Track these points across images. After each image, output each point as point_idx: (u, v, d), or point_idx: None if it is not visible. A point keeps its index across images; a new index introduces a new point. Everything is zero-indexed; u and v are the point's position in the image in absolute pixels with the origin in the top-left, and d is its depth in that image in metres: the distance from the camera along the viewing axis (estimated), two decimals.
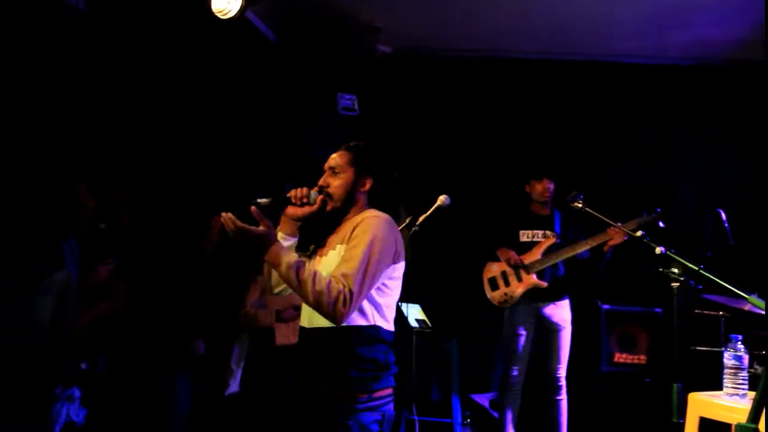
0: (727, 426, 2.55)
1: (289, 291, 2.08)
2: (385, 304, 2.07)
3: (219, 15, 3.52)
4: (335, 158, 2.21)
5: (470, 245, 4.12)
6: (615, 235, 3.60)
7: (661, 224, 3.49)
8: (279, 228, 2.15)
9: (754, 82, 4.49)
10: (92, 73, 3.86)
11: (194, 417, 3.43)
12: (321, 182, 2.18)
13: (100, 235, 3.26)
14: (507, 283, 3.89)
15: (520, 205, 4.01)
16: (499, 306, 3.91)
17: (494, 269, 3.95)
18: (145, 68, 4.05)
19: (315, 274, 1.91)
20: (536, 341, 3.89)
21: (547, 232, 3.92)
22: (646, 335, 4.42)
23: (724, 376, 2.67)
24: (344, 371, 1.99)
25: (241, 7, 3.50)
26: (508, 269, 3.89)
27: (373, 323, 2.04)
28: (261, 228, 1.90)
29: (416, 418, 3.82)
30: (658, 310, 4.41)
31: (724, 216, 3.25)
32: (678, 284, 2.27)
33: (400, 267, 2.10)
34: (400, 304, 3.96)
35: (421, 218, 3.10)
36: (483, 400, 4.51)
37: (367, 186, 2.20)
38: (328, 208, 2.15)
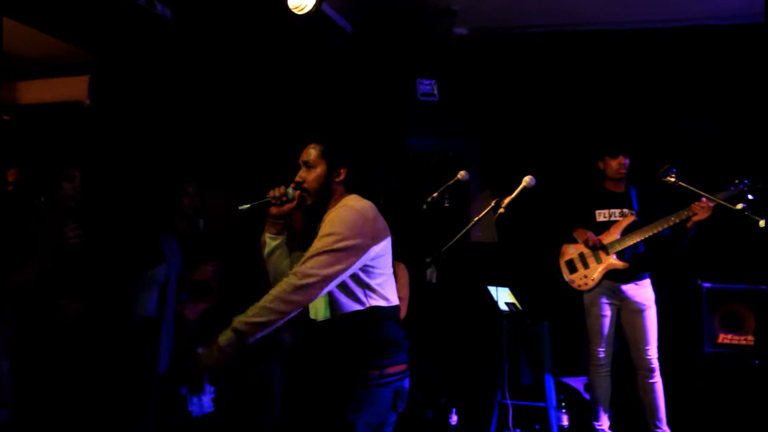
0: None
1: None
2: (377, 284, 2.14)
3: (296, 11, 3.59)
4: (307, 152, 2.25)
5: (548, 228, 4.03)
6: (700, 211, 3.40)
7: (750, 197, 3.27)
8: (266, 229, 2.25)
9: None
10: (186, 78, 4.08)
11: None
12: (297, 178, 2.24)
13: (200, 233, 3.42)
14: (586, 265, 3.78)
15: (594, 184, 3.86)
16: (578, 289, 3.81)
17: (571, 251, 3.85)
18: (231, 72, 4.23)
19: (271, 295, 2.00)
20: (621, 323, 3.76)
21: (625, 210, 3.75)
22: (752, 314, 4.15)
23: None
24: (352, 354, 2.09)
25: (317, 1, 3.55)
26: (586, 250, 3.77)
27: (368, 305, 2.12)
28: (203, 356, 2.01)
29: (509, 402, 3.80)
30: (765, 287, 4.14)
31: None
32: None
33: (382, 246, 2.13)
34: (488, 287, 3.95)
35: (507, 200, 3.07)
36: (578, 383, 4.42)
37: (342, 176, 2.23)
38: (308, 202, 2.22)
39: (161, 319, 2.84)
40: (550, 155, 4.64)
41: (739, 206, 2.75)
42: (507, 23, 4.56)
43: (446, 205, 3.20)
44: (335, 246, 2.02)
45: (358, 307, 2.11)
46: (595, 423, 3.79)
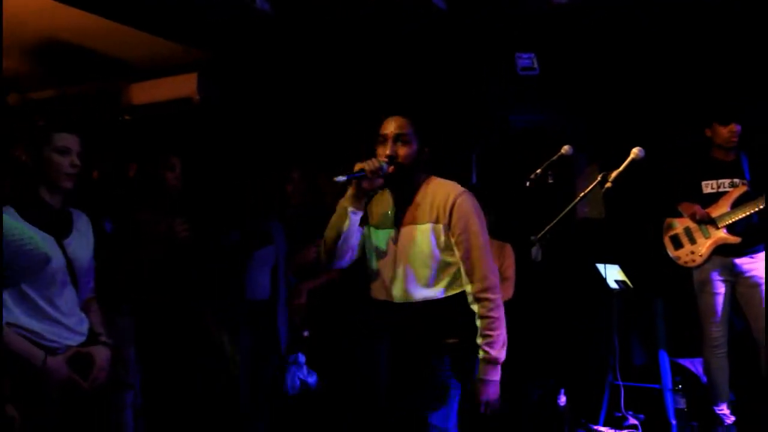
0: None
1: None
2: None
3: None
4: (400, 125, 2.16)
5: (651, 202, 3.82)
6: None
7: None
8: (349, 202, 2.15)
9: None
10: (287, 67, 4.21)
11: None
12: (389, 152, 2.13)
13: (306, 216, 3.53)
14: (692, 241, 3.56)
15: (700, 154, 3.60)
16: (684, 266, 3.59)
17: (676, 226, 3.64)
18: (329, 59, 4.31)
19: (489, 327, 2.08)
20: (738, 300, 3.51)
21: (735, 180, 3.48)
22: None
23: None
24: (468, 329, 2.13)
25: None
26: (692, 225, 3.55)
27: (462, 288, 2.16)
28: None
29: (621, 383, 3.68)
30: None
31: None
32: None
33: None
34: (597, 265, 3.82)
35: (614, 174, 2.94)
36: (696, 365, 4.20)
37: (426, 156, 2.20)
38: (398, 178, 2.15)
39: (276, 300, 2.96)
40: (659, 125, 4.39)
41: None
42: None
43: (550, 181, 3.12)
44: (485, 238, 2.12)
45: (459, 289, 2.16)
46: (716, 408, 3.58)
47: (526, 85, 4.27)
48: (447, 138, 4.21)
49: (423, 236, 2.11)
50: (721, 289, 3.51)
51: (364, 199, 2.16)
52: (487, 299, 2.09)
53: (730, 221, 3.45)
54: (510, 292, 3.75)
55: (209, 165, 3.57)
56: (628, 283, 3.83)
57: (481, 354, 2.06)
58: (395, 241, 2.16)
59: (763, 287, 3.40)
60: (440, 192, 2.14)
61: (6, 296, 1.95)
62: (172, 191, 2.90)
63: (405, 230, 2.15)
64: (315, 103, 4.54)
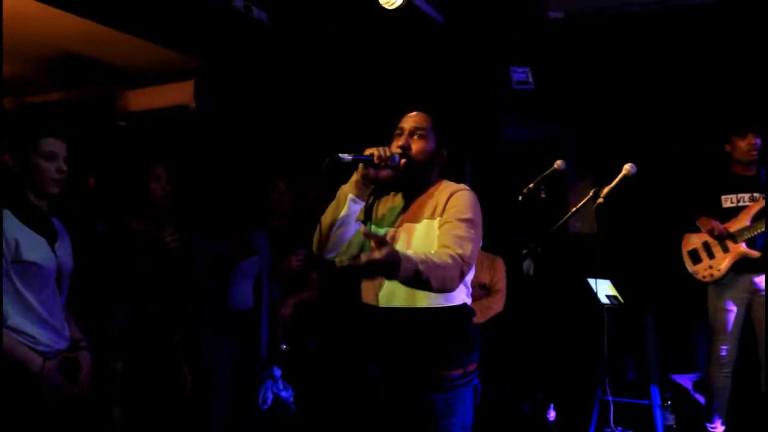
0: None
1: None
2: (468, 280, 1.97)
3: (386, 6, 3.60)
4: (419, 120, 2.02)
5: (665, 215, 3.81)
6: None
7: None
8: (350, 189, 1.95)
9: None
10: (282, 76, 4.22)
11: None
12: (403, 143, 1.98)
13: (291, 226, 3.52)
14: (711, 255, 3.54)
15: (720, 168, 3.60)
16: (702, 281, 3.57)
17: (694, 241, 3.61)
18: (324, 70, 4.33)
19: (433, 254, 1.77)
20: (753, 319, 3.49)
21: (755, 194, 3.47)
22: None
23: None
24: (444, 350, 1.91)
25: None
26: (711, 240, 3.53)
27: (463, 301, 1.98)
28: (377, 251, 1.64)
29: (611, 398, 3.67)
30: None
31: None
32: None
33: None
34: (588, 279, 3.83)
35: (606, 189, 2.96)
36: (685, 381, 4.20)
37: (444, 157, 2.04)
38: (409, 173, 1.96)
39: (259, 311, 2.96)
40: (653, 140, 4.41)
41: None
42: (604, 4, 4.36)
43: (543, 195, 3.13)
44: (473, 232, 1.87)
45: (457, 301, 1.95)
46: (708, 425, 3.57)
47: (521, 99, 4.29)
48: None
49: (418, 234, 1.93)
50: (734, 306, 3.48)
51: (367, 189, 1.96)
52: (452, 249, 1.80)
53: (749, 235, 3.42)
54: (501, 305, 3.76)
55: (201, 173, 3.57)
56: (619, 298, 3.83)
57: (416, 256, 1.71)
58: (392, 239, 1.96)
59: None
60: (446, 190, 1.97)
61: (4, 297, 1.94)
62: (158, 201, 2.88)
63: (403, 228, 1.98)
64: (309, 113, 4.55)
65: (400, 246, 1.93)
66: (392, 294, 1.94)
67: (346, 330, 3.13)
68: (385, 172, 1.93)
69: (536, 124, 4.73)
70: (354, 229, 1.99)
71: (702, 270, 3.58)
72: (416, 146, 1.99)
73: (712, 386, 3.57)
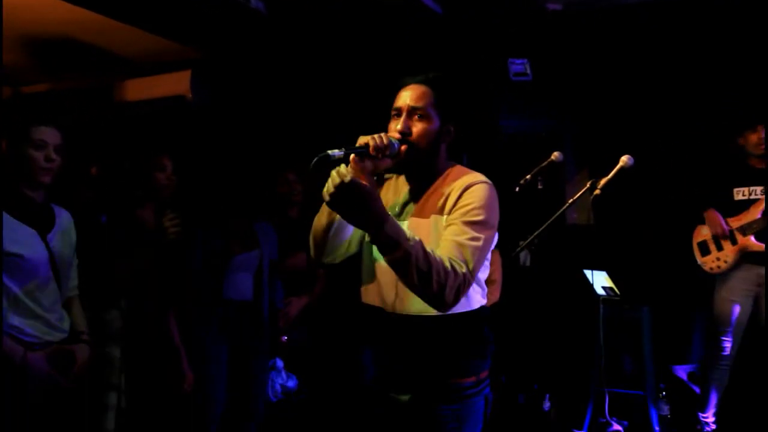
0: None
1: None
2: (482, 279, 1.80)
3: None
4: (415, 96, 1.72)
5: (672, 206, 3.81)
6: None
7: None
8: None
9: None
10: (281, 67, 4.20)
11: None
12: (401, 127, 1.71)
13: (305, 218, 3.48)
14: (719, 247, 3.55)
15: (734, 161, 3.60)
16: (710, 272, 3.59)
17: (704, 232, 3.63)
18: (323, 60, 4.31)
19: (436, 256, 1.54)
20: (758, 312, 3.50)
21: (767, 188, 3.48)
22: None
23: None
24: (457, 359, 1.72)
25: None
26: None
27: (481, 304, 1.79)
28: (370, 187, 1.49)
29: (606, 390, 3.70)
30: None
31: None
32: None
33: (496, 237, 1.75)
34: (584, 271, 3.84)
35: (603, 181, 2.96)
36: (680, 372, 4.23)
37: (451, 136, 1.77)
38: (412, 159, 1.72)
39: (260, 303, 2.90)
40: (651, 132, 4.41)
41: None
42: None
43: (540, 187, 3.13)
44: (482, 238, 1.63)
45: (475, 305, 1.77)
46: (701, 414, 3.61)
47: (519, 90, 4.28)
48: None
49: (424, 232, 1.66)
50: (741, 299, 3.49)
51: (372, 181, 1.70)
52: (457, 263, 1.57)
53: (759, 228, 3.43)
54: (497, 296, 3.76)
55: (199, 164, 3.56)
56: (615, 289, 3.85)
57: (411, 236, 1.53)
58: None
59: None
60: (458, 181, 1.71)
61: None
62: (163, 191, 2.88)
63: (410, 224, 1.72)
64: (307, 104, 4.54)
65: None
66: (405, 299, 1.70)
67: (349, 331, 3.12)
68: (383, 163, 1.69)
69: (534, 116, 4.73)
70: (352, 229, 1.78)
71: (710, 261, 3.59)
72: (417, 129, 1.71)
73: (710, 378, 3.59)
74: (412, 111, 1.72)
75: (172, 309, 2.72)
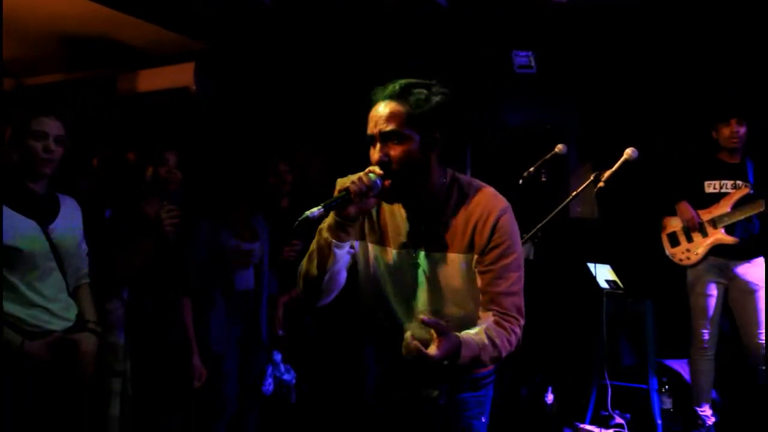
0: None
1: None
2: None
3: None
4: (384, 117, 1.57)
5: (651, 199, 3.83)
6: None
7: None
8: (330, 234, 1.60)
9: None
10: (281, 60, 4.19)
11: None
12: (379, 157, 1.57)
13: (296, 208, 3.49)
14: (689, 239, 3.58)
15: (705, 154, 3.62)
16: (679, 264, 3.62)
17: (674, 224, 3.66)
18: (326, 52, 4.30)
19: (498, 336, 1.55)
20: (730, 304, 3.54)
21: (739, 182, 3.50)
22: None
23: None
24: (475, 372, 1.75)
25: None
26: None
27: None
28: (443, 346, 1.42)
29: (609, 383, 3.70)
30: None
31: None
32: None
33: None
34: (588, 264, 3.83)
35: (607, 174, 2.94)
36: (683, 366, 4.22)
37: (438, 141, 1.61)
38: (399, 188, 1.60)
39: (260, 295, 2.94)
40: (655, 125, 4.40)
41: None
42: None
43: (543, 179, 3.12)
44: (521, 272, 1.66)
45: None
46: (698, 409, 3.61)
47: (523, 83, 4.27)
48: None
49: (454, 271, 1.64)
50: (713, 290, 3.53)
51: (351, 226, 1.61)
52: (512, 318, 1.60)
53: (730, 222, 3.46)
54: None
55: (202, 156, 3.56)
56: (619, 283, 3.85)
57: (480, 342, 1.51)
58: (416, 266, 1.68)
59: (758, 293, 3.42)
60: (477, 208, 1.63)
61: None
62: (167, 185, 2.88)
63: (431, 256, 1.66)
64: (310, 96, 4.52)
65: (426, 279, 1.67)
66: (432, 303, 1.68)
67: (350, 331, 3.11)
68: (369, 203, 1.59)
69: (538, 108, 4.72)
70: (347, 263, 1.69)
71: (679, 253, 3.62)
72: (396, 154, 1.57)
73: (695, 370, 3.62)
74: (385, 137, 1.58)
75: (186, 300, 2.71)
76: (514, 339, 1.59)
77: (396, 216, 1.72)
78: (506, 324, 1.59)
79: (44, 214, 2.10)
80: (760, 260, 3.47)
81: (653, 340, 3.79)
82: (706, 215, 3.55)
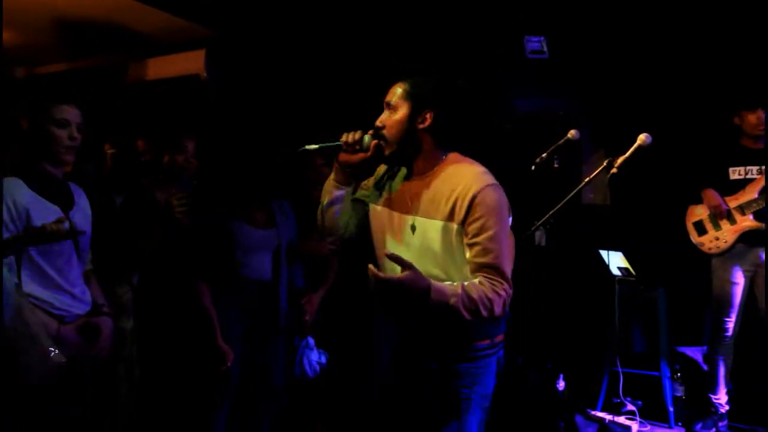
0: None
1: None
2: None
3: None
4: (392, 91, 1.90)
5: (674, 186, 3.79)
6: None
7: None
8: (331, 176, 1.98)
9: None
10: (292, 47, 4.17)
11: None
12: (378, 122, 1.90)
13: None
14: (717, 227, 3.52)
15: (729, 140, 3.57)
16: (708, 253, 3.56)
17: (699, 212, 3.60)
18: (336, 37, 4.28)
19: (477, 291, 1.72)
20: (755, 293, 3.48)
21: (763, 167, 3.44)
22: None
23: None
24: (474, 324, 1.82)
25: None
26: None
27: None
28: (405, 274, 1.67)
29: (620, 370, 3.69)
30: None
31: None
32: None
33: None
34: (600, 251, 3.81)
35: (620, 160, 2.91)
36: (695, 353, 4.21)
37: (428, 121, 1.85)
38: (386, 152, 1.90)
39: (278, 283, 2.89)
40: (668, 111, 4.35)
41: None
42: None
43: (556, 166, 3.10)
44: (504, 244, 1.80)
45: None
46: (713, 396, 3.60)
47: (535, 68, 4.23)
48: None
49: (435, 235, 1.84)
50: (740, 279, 3.48)
51: (347, 173, 1.94)
52: (496, 282, 1.76)
53: (758, 208, 3.40)
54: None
55: (214, 143, 3.56)
56: (631, 270, 3.82)
57: (452, 290, 1.71)
58: (413, 229, 1.89)
59: None
60: (461, 181, 1.81)
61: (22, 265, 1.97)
62: (185, 172, 2.89)
63: (419, 222, 1.87)
64: (323, 81, 4.50)
65: (416, 239, 1.88)
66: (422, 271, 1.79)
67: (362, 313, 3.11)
68: (357, 156, 1.89)
69: (550, 94, 4.68)
70: (346, 216, 2.02)
71: (707, 241, 3.56)
72: (387, 120, 1.88)
73: (714, 358, 3.58)
74: (386, 106, 1.90)
75: (203, 284, 2.70)
76: (497, 299, 1.74)
77: (402, 184, 1.97)
78: (488, 284, 1.75)
79: (65, 201, 2.14)
80: None
81: (665, 327, 3.77)
82: (732, 202, 3.49)
